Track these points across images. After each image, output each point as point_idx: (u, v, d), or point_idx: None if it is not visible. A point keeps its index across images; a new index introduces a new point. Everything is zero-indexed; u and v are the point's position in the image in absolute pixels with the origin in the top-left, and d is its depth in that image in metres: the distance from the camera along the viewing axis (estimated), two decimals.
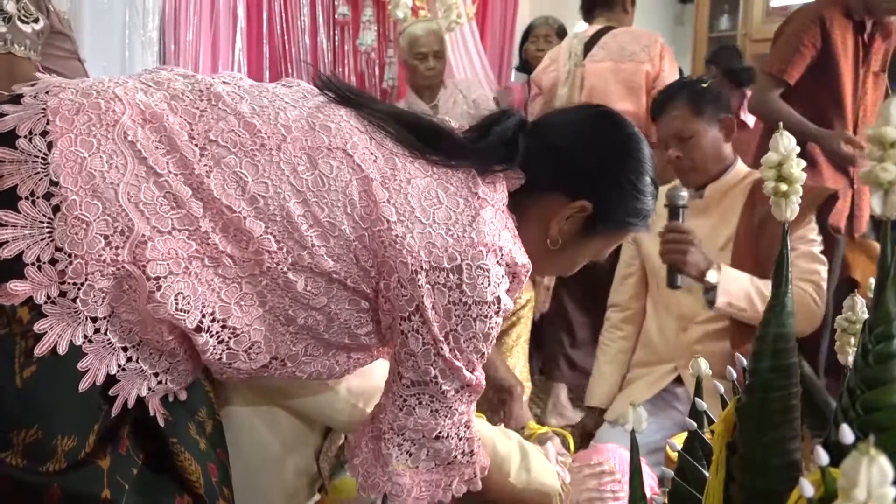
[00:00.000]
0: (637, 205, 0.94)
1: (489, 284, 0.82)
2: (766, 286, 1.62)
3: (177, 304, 0.76)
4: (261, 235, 0.78)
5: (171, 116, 0.80)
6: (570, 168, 0.92)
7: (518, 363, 1.75)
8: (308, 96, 0.89)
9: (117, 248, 0.74)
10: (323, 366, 0.90)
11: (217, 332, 0.79)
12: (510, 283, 0.85)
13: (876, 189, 0.51)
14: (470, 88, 2.89)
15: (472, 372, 0.86)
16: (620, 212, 0.94)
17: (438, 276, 0.80)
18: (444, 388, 0.85)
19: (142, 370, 0.80)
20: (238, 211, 0.78)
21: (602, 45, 2.50)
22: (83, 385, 0.76)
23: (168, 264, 0.75)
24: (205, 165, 0.78)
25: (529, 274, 0.88)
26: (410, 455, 0.90)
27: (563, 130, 0.95)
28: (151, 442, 0.86)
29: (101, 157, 0.76)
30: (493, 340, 0.87)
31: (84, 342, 0.76)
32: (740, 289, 1.61)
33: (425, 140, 0.86)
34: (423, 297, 0.80)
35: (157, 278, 0.75)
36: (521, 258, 0.86)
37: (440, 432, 0.88)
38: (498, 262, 0.83)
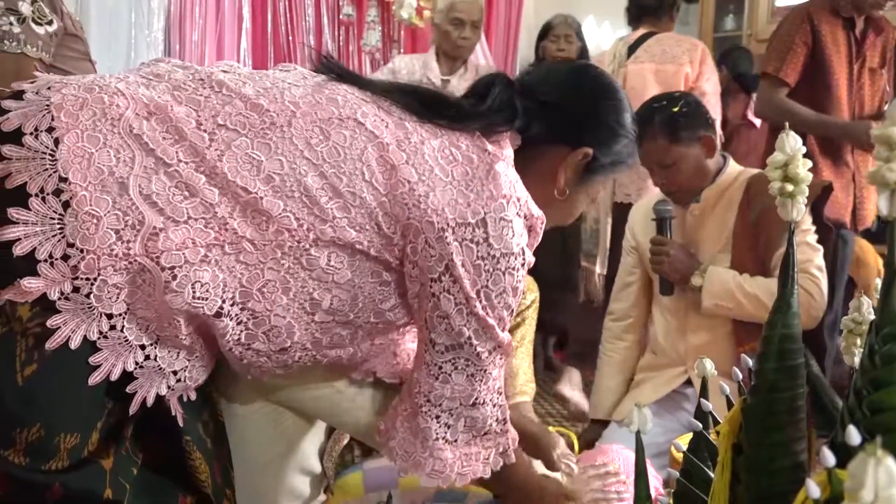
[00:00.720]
0: (626, 142, 1.00)
1: (514, 236, 0.83)
2: (749, 281, 1.63)
3: (194, 292, 0.75)
4: (280, 214, 0.78)
5: (176, 106, 0.80)
6: (565, 120, 0.97)
7: (522, 364, 1.75)
8: (308, 77, 0.90)
9: (129, 241, 0.74)
10: (346, 352, 0.90)
11: (237, 315, 0.79)
12: (529, 236, 0.87)
13: (883, 189, 0.50)
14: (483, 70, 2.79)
15: (503, 330, 0.87)
16: (615, 152, 1.00)
17: (465, 232, 0.81)
18: (479, 349, 0.85)
19: (160, 368, 0.80)
20: (254, 191, 0.77)
21: (645, 49, 2.65)
22: (94, 379, 0.75)
23: (184, 254, 0.75)
24: (216, 150, 0.78)
25: (543, 227, 0.91)
26: (449, 427, 0.89)
27: (552, 86, 0.99)
28: (155, 442, 0.85)
29: (108, 151, 0.75)
30: (521, 294, 0.88)
31: (99, 338, 0.75)
32: (724, 290, 1.65)
33: (428, 106, 0.88)
34: (452, 254, 0.81)
35: (172, 268, 0.74)
36: (536, 210, 0.88)
37: (477, 398, 0.88)
38: (518, 213, 0.85)
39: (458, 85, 2.66)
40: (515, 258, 0.84)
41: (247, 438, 1.00)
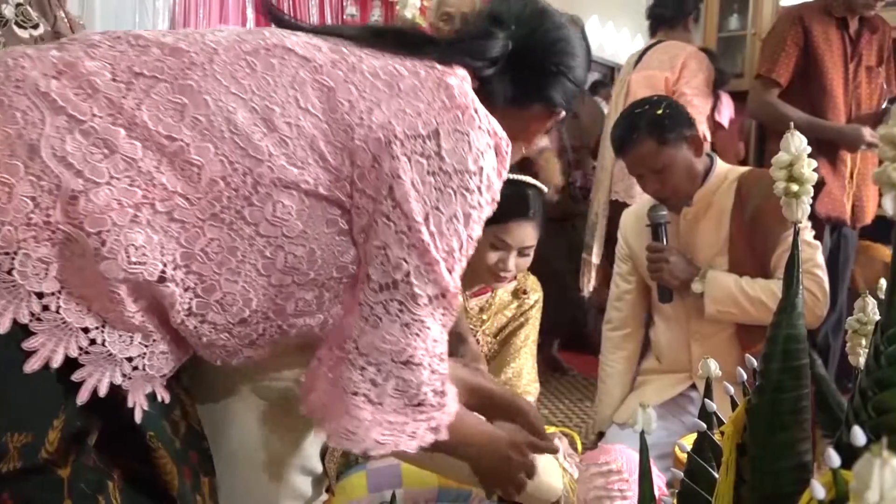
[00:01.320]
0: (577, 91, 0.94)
1: (470, 150, 0.75)
2: (751, 285, 1.62)
3: (129, 257, 0.68)
4: (211, 159, 0.70)
5: (88, 62, 0.72)
6: (534, 78, 0.90)
7: (525, 365, 1.75)
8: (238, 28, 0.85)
9: (48, 208, 0.67)
10: (315, 320, 0.82)
11: (182, 280, 0.71)
12: (496, 157, 0.79)
13: (888, 189, 0.50)
14: None
15: (449, 272, 0.76)
16: (572, 101, 0.94)
17: (415, 145, 0.74)
18: (417, 290, 0.75)
19: (110, 354, 0.72)
20: (179, 138, 0.70)
21: (649, 56, 2.80)
22: (30, 366, 0.68)
23: (110, 216, 0.68)
24: (133, 100, 0.70)
25: (509, 153, 0.82)
26: (375, 386, 0.77)
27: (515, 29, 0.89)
28: (126, 453, 0.78)
29: (13, 114, 0.69)
30: (476, 232, 0.79)
31: (31, 320, 0.68)
32: (726, 294, 1.64)
33: (376, 35, 0.81)
34: (398, 170, 0.73)
35: (99, 233, 0.67)
36: (500, 129, 0.80)
37: (411, 356, 0.77)
38: (479, 126, 0.76)
39: None
40: (472, 177, 0.75)
41: (247, 438, 1.00)
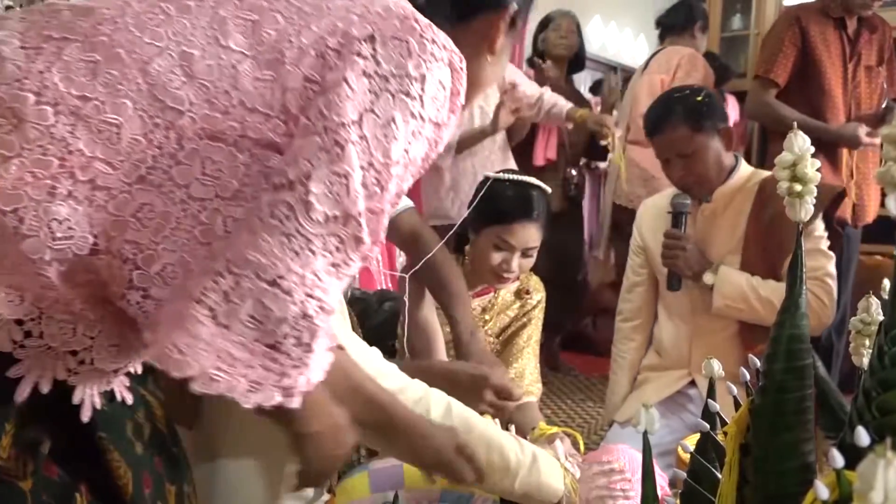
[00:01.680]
0: None
1: (410, 56, 0.68)
2: (762, 285, 1.63)
3: (52, 232, 0.62)
4: (130, 116, 0.64)
5: None
6: None
7: (528, 365, 1.75)
8: None
9: None
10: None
11: (119, 250, 0.64)
12: (448, 72, 0.71)
13: (891, 189, 0.50)
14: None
15: (367, 193, 0.65)
16: None
17: (349, 49, 0.67)
18: (313, 199, 0.63)
19: (49, 347, 0.65)
20: (93, 97, 0.65)
21: (654, 61, 2.99)
22: None
23: (25, 191, 0.62)
24: (43, 63, 0.65)
25: (465, 72, 0.75)
26: (227, 301, 0.63)
27: None
28: (85, 461, 0.73)
29: None
30: (415, 152, 0.69)
31: None
32: (736, 290, 1.64)
33: None
34: (332, 80, 0.65)
35: (15, 210, 0.61)
36: (451, 44, 0.73)
37: (280, 277, 0.63)
38: (423, 35, 0.69)
39: None
40: (413, 83, 0.67)
41: (248, 434, 1.00)
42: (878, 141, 2.40)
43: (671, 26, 3.04)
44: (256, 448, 1.02)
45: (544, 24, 3.30)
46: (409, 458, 1.00)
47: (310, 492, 1.09)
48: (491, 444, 1.03)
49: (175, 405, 0.98)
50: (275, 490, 1.04)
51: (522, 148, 3.08)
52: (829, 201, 1.74)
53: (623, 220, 2.86)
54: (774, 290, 1.62)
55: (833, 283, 1.65)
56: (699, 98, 1.72)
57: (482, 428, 1.05)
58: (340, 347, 0.85)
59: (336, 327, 0.96)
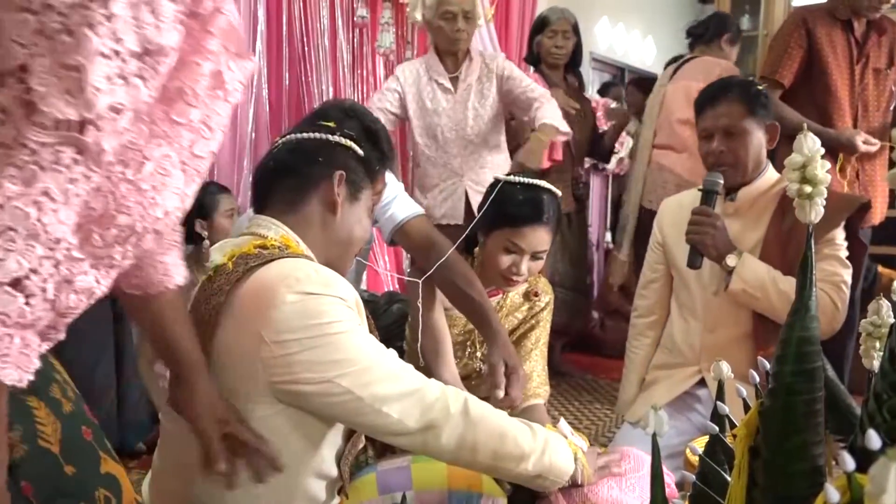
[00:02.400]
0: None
1: None
2: (782, 279, 1.62)
3: None
4: None
5: None
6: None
7: (536, 367, 1.74)
8: None
9: None
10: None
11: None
12: None
13: None
14: (499, 64, 2.68)
15: (108, 88, 0.50)
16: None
17: None
18: (38, 100, 0.48)
19: None
20: None
21: (684, 69, 2.98)
22: None
23: None
24: None
25: None
26: None
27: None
28: None
29: None
30: (167, 39, 0.54)
31: None
32: (756, 277, 1.63)
33: None
34: None
35: None
36: None
37: None
38: None
39: (468, 79, 2.62)
40: None
41: (266, 438, 1.01)
42: (874, 148, 2.40)
43: (700, 36, 3.07)
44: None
45: (539, 26, 3.21)
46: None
47: (322, 496, 1.09)
48: (505, 435, 1.05)
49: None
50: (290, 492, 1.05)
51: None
52: (853, 211, 1.72)
53: (650, 223, 2.87)
54: (793, 287, 1.61)
55: (847, 292, 1.64)
56: (759, 87, 1.77)
57: (496, 421, 1.06)
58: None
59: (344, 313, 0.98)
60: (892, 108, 2.55)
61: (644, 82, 5.02)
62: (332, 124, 1.15)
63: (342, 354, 0.96)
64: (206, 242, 2.48)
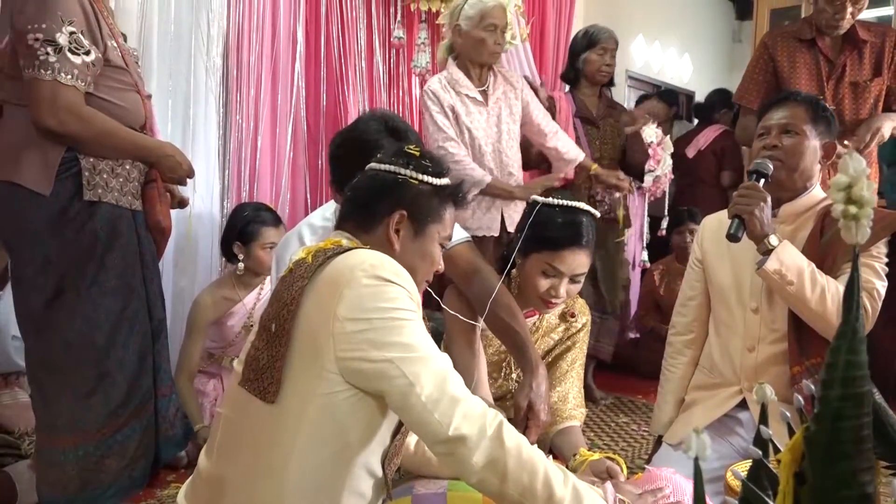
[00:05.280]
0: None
1: None
2: (821, 274, 1.58)
3: None
4: None
5: None
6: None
7: (572, 389, 1.73)
8: None
9: None
10: None
11: None
12: None
13: None
14: (518, 81, 2.76)
15: None
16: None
17: None
18: None
19: None
20: None
21: None
22: None
23: None
24: None
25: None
26: None
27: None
28: None
29: None
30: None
31: None
32: (795, 262, 1.59)
33: None
34: None
35: None
36: None
37: None
38: None
39: (496, 93, 2.65)
40: None
41: (326, 418, 1.04)
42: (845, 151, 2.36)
43: None
44: (328, 439, 1.05)
45: (588, 42, 3.20)
46: None
47: (369, 494, 1.11)
48: (536, 472, 1.03)
49: (256, 378, 1.03)
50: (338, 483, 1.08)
51: (539, 169, 3.07)
52: None
53: None
54: (830, 283, 1.58)
55: (878, 302, 1.61)
56: (827, 105, 1.78)
57: (530, 455, 1.04)
58: None
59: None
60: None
61: (669, 94, 4.98)
62: (416, 152, 1.22)
63: (406, 339, 1.03)
64: (241, 265, 2.52)
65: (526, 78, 3.07)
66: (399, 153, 1.23)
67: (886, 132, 2.47)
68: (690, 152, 4.28)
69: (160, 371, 1.77)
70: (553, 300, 1.60)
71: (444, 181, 1.22)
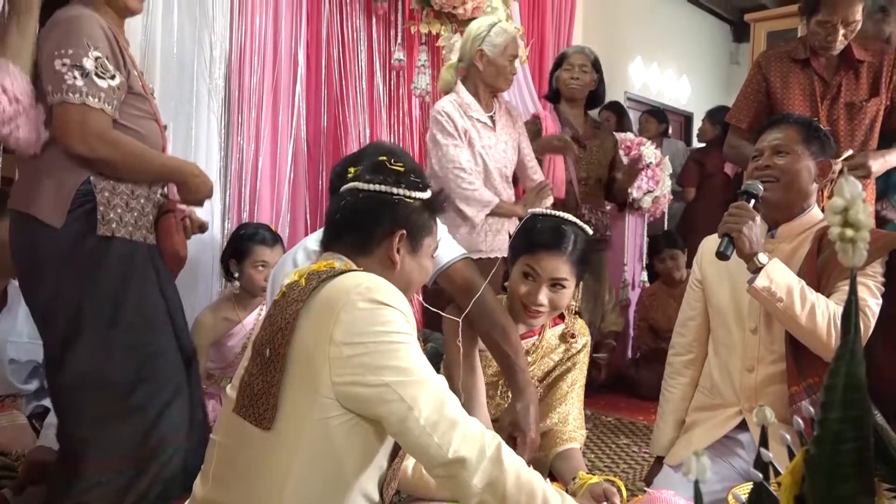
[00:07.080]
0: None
1: None
2: (811, 291, 1.58)
3: None
4: None
5: None
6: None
7: (573, 410, 1.72)
8: None
9: None
10: None
11: None
12: None
13: None
14: (518, 115, 2.86)
15: None
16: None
17: None
18: None
19: None
20: None
21: None
22: None
23: None
24: None
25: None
26: None
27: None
28: None
29: None
30: None
31: None
32: (784, 279, 1.58)
33: None
34: None
35: None
36: None
37: None
38: None
39: (501, 119, 2.71)
40: None
41: (323, 443, 1.03)
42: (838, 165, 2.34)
43: None
44: (324, 465, 1.05)
45: (559, 62, 3.28)
46: None
47: None
48: (534, 495, 1.02)
49: (251, 404, 1.02)
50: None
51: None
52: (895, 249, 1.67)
53: None
54: (821, 300, 1.58)
55: (871, 320, 1.60)
56: (821, 126, 1.79)
57: (528, 477, 1.04)
58: None
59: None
60: (870, 140, 2.49)
61: (658, 113, 5.01)
62: (400, 168, 1.22)
63: (402, 362, 1.02)
64: (237, 283, 2.52)
65: (536, 115, 3.18)
66: (384, 170, 1.21)
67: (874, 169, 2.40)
68: (729, 170, 4.29)
69: (192, 399, 1.77)
70: (533, 307, 1.61)
71: (429, 192, 1.24)
